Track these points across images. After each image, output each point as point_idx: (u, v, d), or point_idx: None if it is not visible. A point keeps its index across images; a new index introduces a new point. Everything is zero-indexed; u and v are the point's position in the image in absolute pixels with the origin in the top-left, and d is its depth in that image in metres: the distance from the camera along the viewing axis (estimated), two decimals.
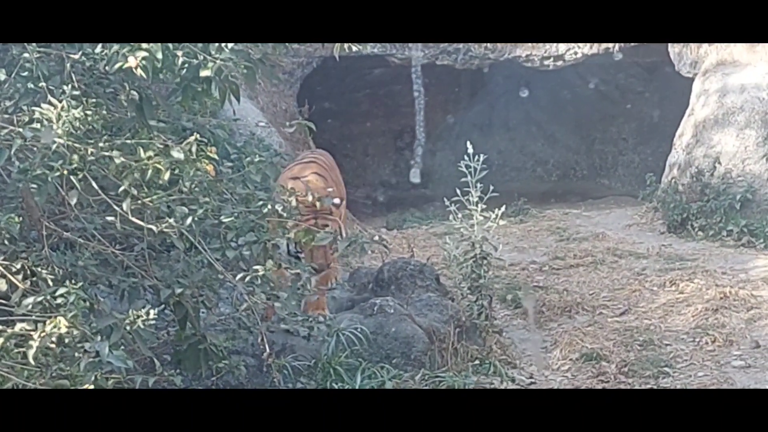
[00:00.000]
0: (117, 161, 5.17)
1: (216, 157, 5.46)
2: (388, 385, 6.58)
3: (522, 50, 15.99)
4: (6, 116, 5.23)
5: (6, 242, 5.17)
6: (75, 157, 5.07)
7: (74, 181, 5.11)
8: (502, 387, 7.75)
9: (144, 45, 5.20)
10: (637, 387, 7.89)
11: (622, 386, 7.95)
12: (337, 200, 7.76)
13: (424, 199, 17.64)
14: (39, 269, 5.12)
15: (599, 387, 7.97)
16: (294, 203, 6.06)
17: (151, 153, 5.20)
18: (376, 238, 7.36)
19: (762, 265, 10.98)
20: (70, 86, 5.22)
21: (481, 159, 8.49)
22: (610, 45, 15.51)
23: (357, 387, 6.39)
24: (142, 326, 4.96)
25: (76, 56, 5.38)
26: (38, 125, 5.01)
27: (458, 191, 8.54)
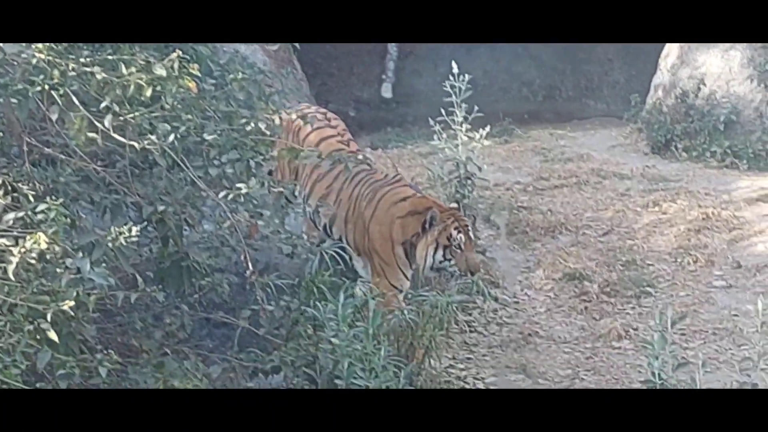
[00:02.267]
0: (98, 77, 5.11)
1: (198, 74, 5.39)
2: (371, 303, 6.58)
3: None
4: None
5: None
6: (56, 72, 5.02)
7: (55, 96, 5.06)
8: (485, 306, 7.80)
9: None
10: (618, 306, 7.96)
11: (603, 305, 8.02)
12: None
13: (406, 119, 17.56)
14: (20, 185, 5.07)
15: (581, 306, 8.04)
16: (277, 121, 5.99)
17: (133, 69, 5.14)
18: (360, 156, 7.31)
19: (744, 186, 11.01)
20: None
21: (466, 79, 8.45)
22: None
23: (340, 305, 6.38)
24: (124, 243, 4.94)
25: None
26: None
27: (443, 111, 8.51)
